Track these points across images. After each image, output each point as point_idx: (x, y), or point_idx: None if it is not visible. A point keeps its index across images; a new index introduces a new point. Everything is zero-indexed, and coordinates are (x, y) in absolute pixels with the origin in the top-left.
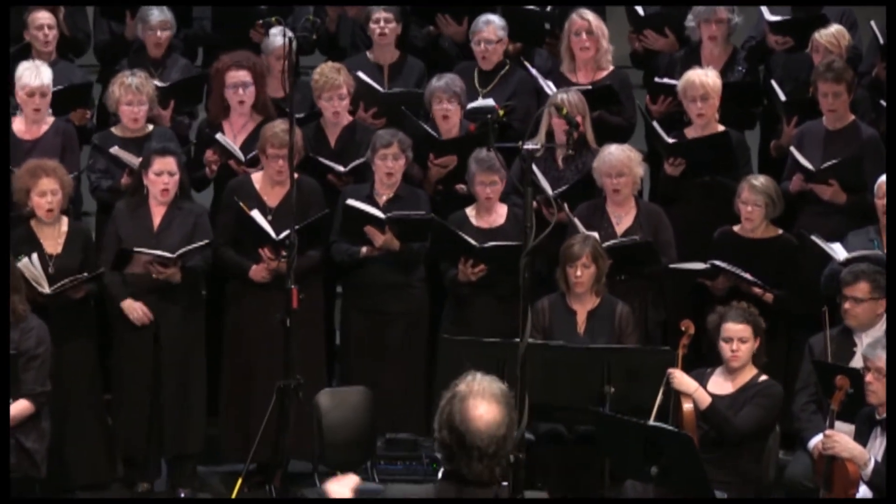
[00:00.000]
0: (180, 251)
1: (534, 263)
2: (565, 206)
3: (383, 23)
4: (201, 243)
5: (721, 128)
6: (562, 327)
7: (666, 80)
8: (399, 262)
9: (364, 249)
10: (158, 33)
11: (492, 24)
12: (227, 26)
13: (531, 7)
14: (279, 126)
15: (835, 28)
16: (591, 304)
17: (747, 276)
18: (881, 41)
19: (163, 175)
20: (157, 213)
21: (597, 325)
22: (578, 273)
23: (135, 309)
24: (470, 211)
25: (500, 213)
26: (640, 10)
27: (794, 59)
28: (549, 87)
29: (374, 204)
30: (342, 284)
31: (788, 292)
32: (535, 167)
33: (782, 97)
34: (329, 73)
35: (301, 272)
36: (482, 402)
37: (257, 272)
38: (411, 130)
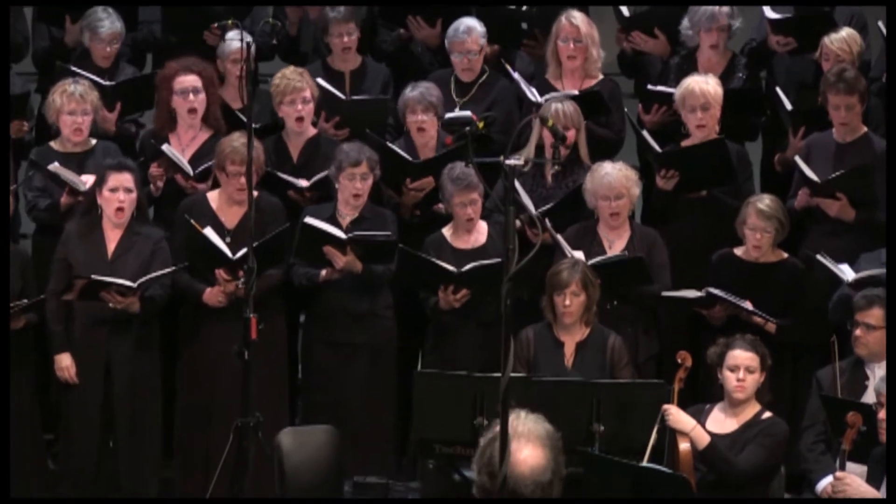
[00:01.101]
0: (142, 279)
1: (517, 290)
2: (549, 225)
3: (346, 36)
4: (166, 271)
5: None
6: (548, 360)
7: (660, 88)
8: (364, 289)
9: (324, 272)
10: (108, 48)
11: (474, 33)
12: (178, 30)
13: (506, 6)
14: (238, 140)
15: (846, 32)
16: (581, 334)
17: (746, 305)
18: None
19: (118, 192)
20: (112, 238)
21: (586, 357)
22: (567, 302)
23: (62, 369)
24: (447, 231)
25: (482, 232)
26: (625, 10)
27: (797, 63)
28: (533, 94)
29: (337, 225)
30: (305, 313)
31: (793, 321)
32: (518, 184)
33: (788, 106)
34: (291, 76)
35: (261, 294)
36: (527, 444)
37: (212, 296)
38: (380, 154)
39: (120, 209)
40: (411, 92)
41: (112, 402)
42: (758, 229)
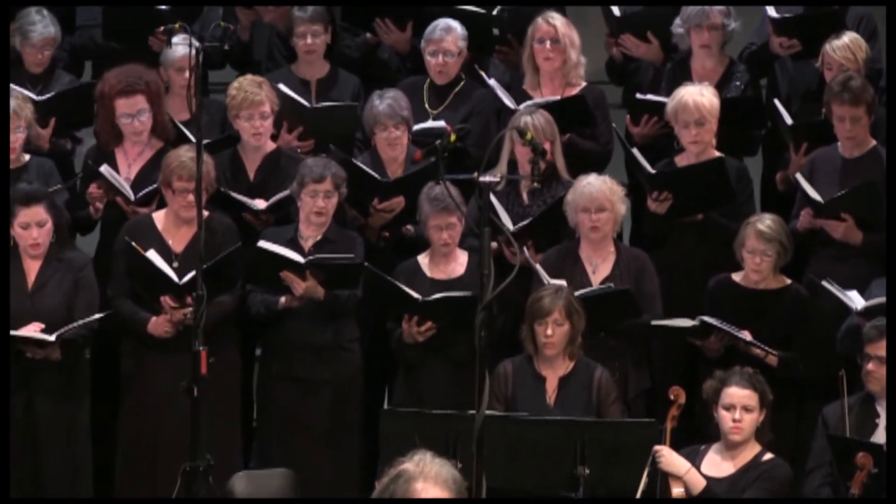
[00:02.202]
0: (59, 332)
1: (493, 319)
2: (525, 249)
3: (311, 38)
4: (88, 320)
5: (717, 154)
6: (528, 396)
7: (650, 98)
8: (327, 319)
9: (283, 299)
10: (40, 55)
11: (453, 33)
12: (120, 34)
13: (474, 8)
14: (185, 154)
15: (849, 38)
16: (564, 368)
17: (744, 335)
18: None
19: (30, 229)
20: (31, 269)
21: (570, 393)
22: (549, 332)
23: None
24: (423, 259)
25: (460, 262)
26: (615, 9)
27: (801, 70)
28: (511, 102)
29: (299, 248)
30: (261, 346)
31: (797, 353)
32: (495, 202)
33: (788, 120)
34: (249, 88)
35: (212, 324)
36: (433, 487)
37: (157, 325)
38: (347, 172)
39: (35, 244)
40: (379, 105)
41: (37, 442)
42: (757, 252)
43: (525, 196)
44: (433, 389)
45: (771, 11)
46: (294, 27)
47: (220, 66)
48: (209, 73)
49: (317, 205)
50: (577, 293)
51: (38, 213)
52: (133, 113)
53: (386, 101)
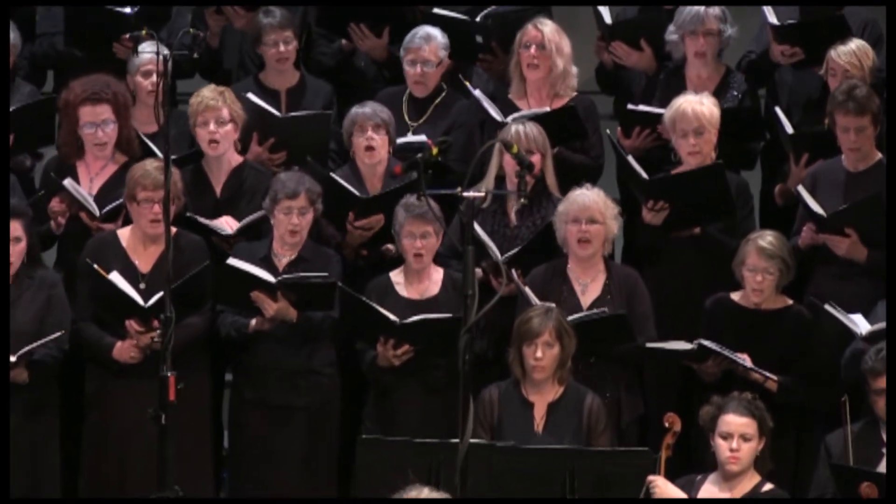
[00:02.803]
0: (22, 351)
1: (476, 342)
2: (515, 274)
3: (282, 45)
4: (53, 336)
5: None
6: (515, 423)
7: (643, 108)
8: (301, 342)
9: (254, 321)
10: None
11: (433, 42)
12: (84, 42)
13: (456, 15)
14: (151, 164)
15: (855, 45)
16: (553, 393)
17: (743, 359)
18: None
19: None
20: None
21: (559, 420)
22: (538, 354)
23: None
24: (397, 276)
25: (434, 280)
26: (606, 13)
27: (803, 79)
28: (497, 113)
29: (272, 268)
30: (232, 371)
31: (798, 378)
32: (478, 227)
33: (788, 129)
34: (207, 94)
35: (180, 348)
36: None
37: (123, 350)
38: (324, 187)
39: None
40: (360, 108)
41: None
42: (759, 270)
43: (513, 215)
44: (408, 416)
45: (771, 18)
46: (262, 34)
47: (189, 75)
48: (178, 83)
49: (291, 222)
50: (568, 318)
51: (16, 228)
52: (97, 122)
53: (367, 107)
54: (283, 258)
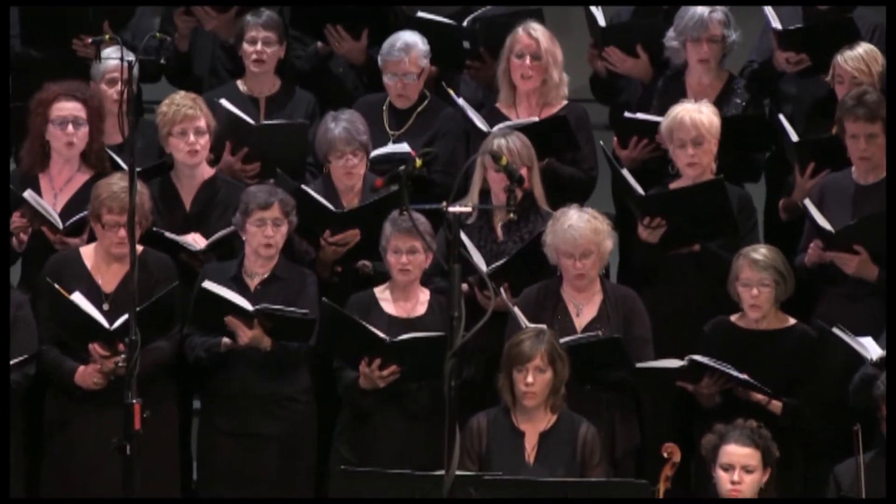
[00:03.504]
0: None
1: (465, 367)
2: (502, 290)
3: (261, 45)
4: (16, 361)
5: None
6: (504, 454)
7: (640, 116)
8: (275, 366)
9: (226, 339)
10: None
11: (413, 51)
12: (40, 39)
13: (441, 19)
14: (117, 183)
15: (864, 49)
16: (545, 422)
17: (742, 375)
18: None
19: None
20: None
21: (552, 450)
22: (530, 379)
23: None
24: (381, 292)
25: (421, 300)
26: (599, 15)
27: (807, 87)
28: (484, 125)
29: (244, 287)
30: (201, 397)
31: (803, 401)
32: (465, 237)
33: (793, 137)
34: (181, 102)
35: (146, 374)
36: None
37: (86, 376)
38: (297, 201)
39: None
40: (334, 129)
41: None
42: (752, 284)
43: (499, 230)
44: (387, 444)
45: (774, 23)
46: (244, 31)
47: (155, 80)
48: (143, 90)
49: (265, 234)
50: (560, 341)
51: None
52: (69, 118)
53: (342, 125)
54: (255, 277)
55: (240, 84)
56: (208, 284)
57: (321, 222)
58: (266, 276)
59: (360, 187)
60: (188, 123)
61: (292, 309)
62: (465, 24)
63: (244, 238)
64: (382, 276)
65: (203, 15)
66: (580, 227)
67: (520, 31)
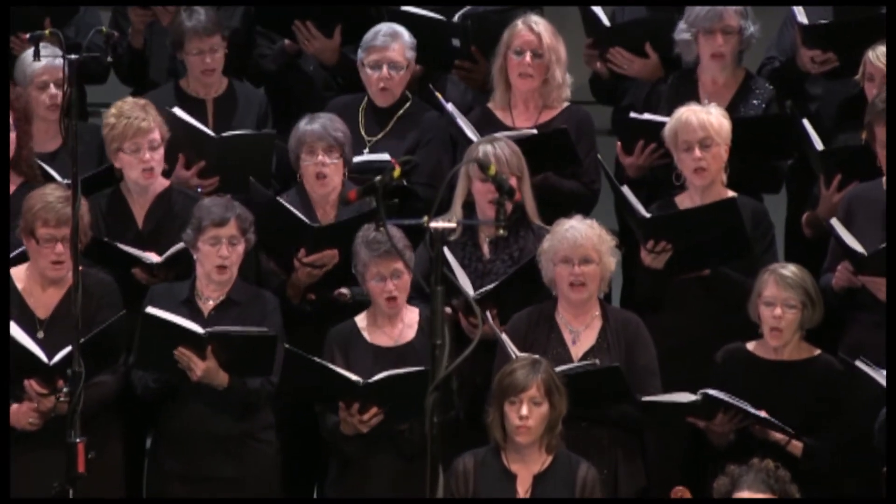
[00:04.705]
0: None
1: (450, 401)
2: (489, 315)
3: (208, 57)
4: None
5: (729, 193)
6: (494, 497)
7: (647, 117)
8: (233, 402)
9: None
10: None
11: (400, 40)
12: None
13: (428, 13)
14: (52, 193)
15: None
16: (540, 463)
17: (760, 412)
18: None
19: None
20: None
21: (547, 494)
22: (524, 411)
23: None
24: (362, 321)
25: (410, 323)
26: (602, 14)
27: (836, 90)
28: (472, 132)
29: (196, 312)
30: (151, 436)
31: (827, 441)
32: (450, 256)
33: (818, 145)
34: (132, 113)
35: (90, 411)
36: None
37: (21, 415)
38: (268, 213)
39: None
40: (309, 125)
41: None
42: (778, 302)
43: (486, 247)
44: (378, 488)
45: (799, 16)
46: (184, 41)
47: (101, 81)
48: (88, 91)
49: (220, 255)
50: (557, 369)
51: None
52: None
53: (318, 122)
54: (209, 301)
55: (182, 85)
56: (152, 310)
57: (295, 239)
58: (221, 299)
59: (336, 199)
60: (141, 138)
61: (249, 329)
62: (455, 19)
63: (196, 257)
64: (362, 306)
65: (160, 10)
66: (582, 229)
67: (520, 24)
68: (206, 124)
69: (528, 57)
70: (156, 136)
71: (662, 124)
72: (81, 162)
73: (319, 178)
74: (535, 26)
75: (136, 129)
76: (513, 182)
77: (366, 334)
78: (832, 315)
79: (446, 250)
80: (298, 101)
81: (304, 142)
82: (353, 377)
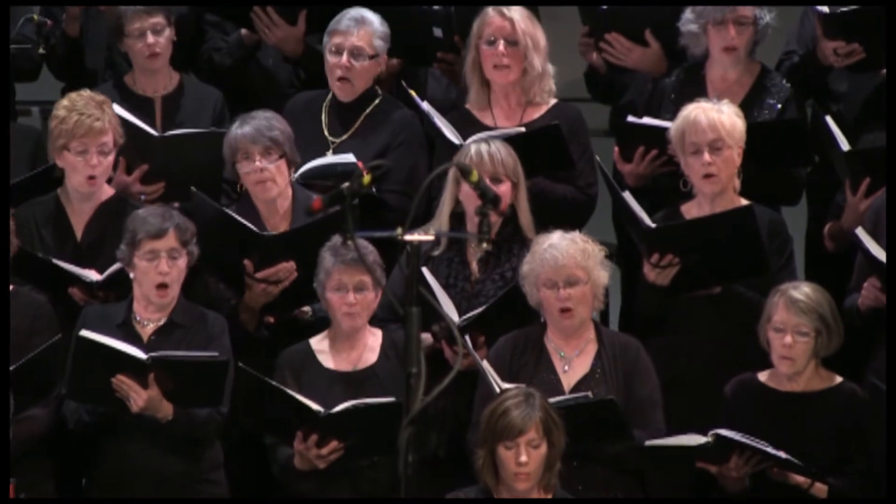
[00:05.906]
0: None
1: (423, 437)
2: (468, 342)
3: (151, 36)
4: None
5: (743, 201)
6: None
7: (648, 121)
8: (179, 437)
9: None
10: None
11: (367, 26)
12: None
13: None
14: None
15: None
16: None
17: (780, 453)
18: None
19: None
20: None
21: None
22: (523, 458)
23: None
24: (318, 343)
25: (371, 345)
26: None
27: (863, 85)
28: (453, 133)
29: (134, 336)
30: (87, 475)
31: (853, 480)
32: (429, 275)
33: (843, 146)
34: (86, 109)
35: (19, 448)
36: None
37: None
38: (214, 225)
39: None
40: (240, 129)
41: None
42: (787, 328)
43: (475, 265)
44: None
45: (820, 6)
46: (124, 25)
47: (33, 77)
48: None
49: (159, 271)
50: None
51: None
52: None
53: (250, 123)
54: (149, 324)
55: (127, 81)
56: (87, 333)
57: (245, 253)
58: (162, 322)
59: (289, 207)
60: (91, 140)
61: (196, 353)
62: (436, 7)
63: (132, 275)
64: (326, 323)
65: None
66: (562, 245)
67: (490, 11)
68: (153, 126)
69: (501, 45)
70: (108, 139)
71: (664, 129)
72: (14, 165)
73: (261, 184)
74: (506, 11)
75: (88, 128)
76: (506, 189)
77: (321, 357)
78: (857, 337)
79: (426, 269)
80: (257, 99)
81: (237, 148)
82: (314, 406)
